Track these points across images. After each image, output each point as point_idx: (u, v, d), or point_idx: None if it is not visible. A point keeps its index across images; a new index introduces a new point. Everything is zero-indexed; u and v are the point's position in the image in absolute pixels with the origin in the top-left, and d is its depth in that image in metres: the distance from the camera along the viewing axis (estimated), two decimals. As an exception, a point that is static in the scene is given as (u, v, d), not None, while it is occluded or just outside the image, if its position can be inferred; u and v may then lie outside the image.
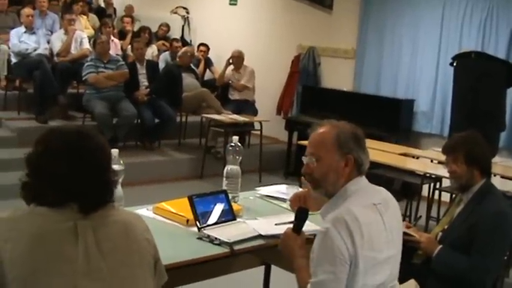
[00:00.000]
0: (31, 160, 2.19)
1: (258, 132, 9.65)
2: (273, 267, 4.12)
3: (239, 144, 3.96)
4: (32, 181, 2.17)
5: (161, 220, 3.45)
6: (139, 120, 9.28)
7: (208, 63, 11.75)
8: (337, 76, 10.67)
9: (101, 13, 14.06)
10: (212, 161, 9.46)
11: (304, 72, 10.95)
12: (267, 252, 3.32)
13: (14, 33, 9.85)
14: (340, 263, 2.51)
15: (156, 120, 9.38)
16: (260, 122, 9.59)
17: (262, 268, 4.16)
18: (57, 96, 9.53)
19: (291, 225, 2.98)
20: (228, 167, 3.90)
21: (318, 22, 10.99)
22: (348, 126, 2.79)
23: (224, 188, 3.85)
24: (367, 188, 2.79)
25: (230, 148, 3.93)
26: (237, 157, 3.91)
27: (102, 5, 15.37)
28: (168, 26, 13.23)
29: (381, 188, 2.90)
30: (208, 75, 11.66)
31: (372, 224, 2.63)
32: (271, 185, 4.38)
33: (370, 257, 2.57)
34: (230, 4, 12.74)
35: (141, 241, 2.20)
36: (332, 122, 2.81)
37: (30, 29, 9.95)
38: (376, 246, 2.61)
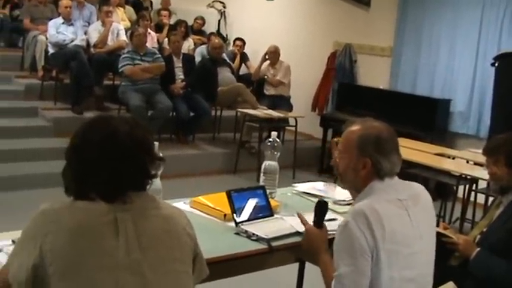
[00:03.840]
0: (73, 150, 2.16)
1: (293, 128, 9.63)
2: (307, 264, 4.10)
3: (277, 140, 3.95)
4: (73, 173, 2.15)
5: (198, 214, 3.44)
6: (174, 113, 9.28)
7: (244, 58, 11.75)
8: (373, 74, 10.60)
9: (137, 5, 14.10)
10: (246, 156, 9.46)
11: (340, 69, 10.91)
12: (302, 249, 3.31)
13: (52, 24, 9.94)
14: (360, 255, 2.52)
15: (191, 114, 9.38)
16: (295, 118, 9.55)
17: (295, 264, 4.14)
18: (93, 88, 9.59)
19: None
20: (266, 163, 3.87)
21: (355, 19, 10.93)
22: (374, 129, 2.78)
23: (261, 183, 3.83)
24: (395, 185, 2.78)
25: (268, 144, 3.91)
26: (275, 153, 3.89)
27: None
28: (203, 19, 13.26)
29: (415, 183, 2.91)
30: (243, 70, 11.66)
31: (394, 217, 2.64)
32: (307, 182, 4.36)
33: (394, 250, 2.57)
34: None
35: (182, 235, 2.19)
36: (363, 122, 2.84)
37: (68, 20, 10.03)
38: (401, 240, 2.61)
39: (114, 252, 1.99)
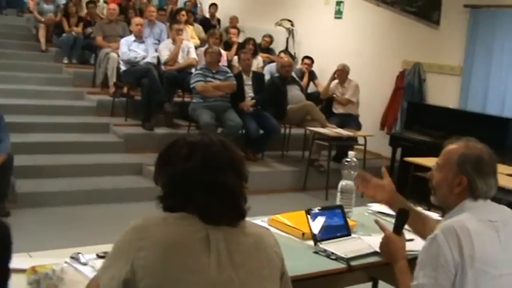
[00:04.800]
0: (171, 169, 2.19)
1: (361, 147, 9.60)
2: (380, 283, 4.08)
3: (355, 159, 3.95)
4: (168, 190, 2.18)
5: (276, 232, 3.44)
6: (244, 131, 9.31)
7: (312, 76, 11.78)
8: (442, 93, 10.50)
9: (205, 23, 14.28)
10: (314, 174, 9.44)
11: (409, 88, 10.83)
12: (376, 268, 3.30)
13: (124, 41, 10.12)
14: (442, 270, 2.52)
15: (261, 132, 9.39)
16: (364, 137, 9.51)
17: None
18: (164, 104, 9.67)
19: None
20: (343, 182, 3.88)
21: (424, 38, 10.85)
22: (477, 149, 2.80)
23: (338, 202, 3.83)
24: (488, 206, 2.77)
25: (346, 163, 3.92)
26: (352, 172, 3.89)
27: (207, 15, 15.60)
28: (271, 37, 13.34)
29: (506, 207, 2.89)
30: (311, 88, 11.68)
31: (485, 237, 2.62)
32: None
33: (482, 270, 2.55)
34: (335, 18, 12.71)
35: (271, 254, 2.21)
36: (467, 141, 2.86)
37: (140, 38, 10.19)
38: (490, 261, 2.58)
39: (206, 269, 2.01)
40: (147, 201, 7.94)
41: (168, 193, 2.18)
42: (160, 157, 2.25)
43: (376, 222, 3.16)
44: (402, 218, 3.06)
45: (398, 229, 3.04)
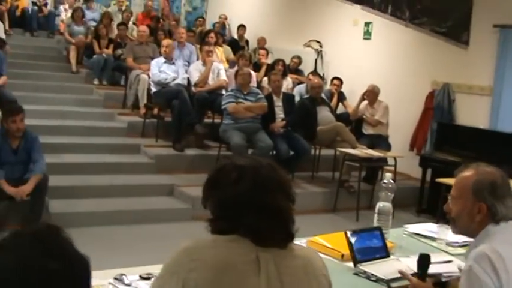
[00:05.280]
0: (220, 193, 2.21)
1: (390, 168, 9.58)
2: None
3: (392, 181, 3.96)
4: (217, 214, 2.20)
5: (315, 254, 3.48)
6: (274, 152, 9.29)
7: (341, 97, 11.78)
8: (472, 113, 10.45)
9: (234, 45, 14.36)
10: (345, 195, 9.43)
11: (438, 109, 10.79)
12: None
13: (154, 63, 10.23)
14: None
15: (291, 153, 9.40)
16: (394, 158, 9.49)
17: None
18: (194, 125, 9.74)
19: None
20: (380, 204, 3.89)
21: (453, 58, 10.82)
22: (489, 174, 2.82)
23: (375, 224, 3.85)
24: (510, 228, 2.77)
25: (383, 185, 3.93)
26: (390, 194, 3.90)
27: (235, 36, 15.68)
28: (299, 58, 13.37)
29: None
30: (340, 109, 11.68)
31: None
32: (407, 222, 4.36)
33: None
34: (364, 38, 12.72)
35: (319, 277, 2.22)
36: (477, 167, 2.86)
37: (170, 60, 10.28)
38: None
39: None
40: (178, 222, 8.05)
41: (217, 216, 2.20)
42: (209, 181, 2.28)
43: (401, 273, 3.15)
44: (424, 263, 3.05)
45: (422, 276, 3.04)
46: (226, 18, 16.70)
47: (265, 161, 2.27)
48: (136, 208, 8.11)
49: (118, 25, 13.34)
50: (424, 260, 3.04)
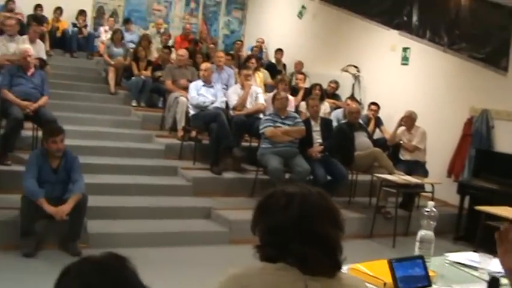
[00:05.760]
0: (269, 219, 2.21)
1: (428, 194, 9.52)
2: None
3: (434, 209, 3.94)
4: (265, 240, 2.21)
5: (357, 282, 3.46)
6: (311, 177, 9.29)
7: (378, 123, 11.75)
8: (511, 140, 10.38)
9: (271, 69, 14.40)
10: (381, 221, 9.36)
11: (476, 135, 10.71)
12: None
13: (192, 86, 10.30)
14: None
15: (328, 178, 9.38)
16: (432, 184, 9.43)
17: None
18: (232, 149, 9.77)
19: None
20: (422, 232, 3.87)
21: (492, 84, 10.74)
22: None
23: (416, 252, 3.82)
24: None
25: (425, 213, 3.91)
26: (432, 222, 3.88)
27: (273, 60, 15.73)
28: (337, 83, 13.39)
29: None
30: (377, 134, 11.63)
31: None
32: (445, 250, 4.32)
33: None
34: (402, 64, 12.69)
35: None
36: None
37: (208, 83, 10.34)
38: None
39: None
40: (215, 245, 8.05)
41: (266, 243, 2.19)
42: (258, 207, 2.27)
43: None
44: (493, 285, 3.01)
45: None
46: (263, 42, 16.77)
47: (315, 189, 2.26)
48: (173, 230, 8.10)
49: (163, 47, 13.49)
50: (493, 282, 3.00)
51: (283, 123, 9.39)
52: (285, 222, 2.14)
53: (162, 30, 16.31)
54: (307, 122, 9.67)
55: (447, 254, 4.21)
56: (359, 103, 12.27)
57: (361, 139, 10.06)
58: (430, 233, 3.86)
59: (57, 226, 7.03)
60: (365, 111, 12.09)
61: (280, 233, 2.15)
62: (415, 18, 12.54)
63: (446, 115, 11.33)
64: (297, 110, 11.14)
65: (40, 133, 8.55)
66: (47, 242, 7.17)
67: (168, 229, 8.12)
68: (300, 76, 12.96)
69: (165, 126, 11.21)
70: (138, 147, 10.38)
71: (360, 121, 10.65)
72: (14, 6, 15.29)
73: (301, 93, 12.25)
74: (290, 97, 10.87)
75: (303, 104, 11.22)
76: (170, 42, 15.12)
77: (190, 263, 7.30)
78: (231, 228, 8.17)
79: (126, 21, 16.55)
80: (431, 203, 3.96)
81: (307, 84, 12.98)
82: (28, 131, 9.21)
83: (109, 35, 14.68)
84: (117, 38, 13.49)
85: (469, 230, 9.32)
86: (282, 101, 9.57)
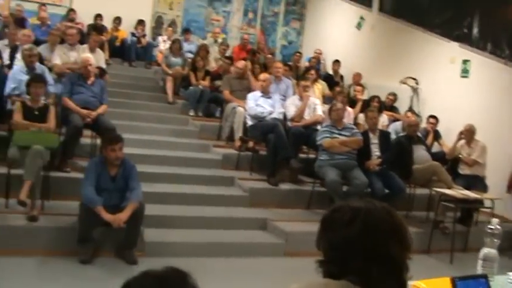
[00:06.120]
0: (332, 235, 2.17)
1: (487, 210, 9.37)
2: None
3: (498, 227, 3.85)
4: (328, 256, 2.16)
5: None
6: (369, 190, 9.20)
7: (437, 136, 11.62)
8: None
9: (329, 80, 14.36)
10: (439, 236, 9.22)
11: (538, 150, 10.55)
12: None
13: (251, 96, 10.30)
14: None
15: (386, 191, 9.28)
16: (492, 200, 9.27)
17: None
18: (289, 160, 9.72)
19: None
20: (485, 250, 3.78)
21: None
22: None
23: (479, 271, 3.74)
24: None
25: (489, 230, 3.82)
26: (495, 240, 3.79)
27: (330, 71, 15.68)
28: (395, 95, 13.27)
29: None
30: (435, 148, 11.49)
31: None
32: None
33: None
34: (461, 76, 12.54)
35: None
36: None
37: (266, 94, 10.33)
38: None
39: None
40: (271, 257, 8.02)
41: (328, 259, 2.15)
42: (323, 222, 2.22)
43: None
44: None
45: None
46: (321, 53, 16.75)
47: (381, 204, 2.20)
48: (228, 241, 8.09)
49: (224, 58, 13.57)
50: None
51: (340, 134, 9.35)
52: (348, 238, 2.09)
53: (219, 40, 16.37)
54: (365, 134, 9.60)
55: (510, 273, 4.10)
56: (417, 116, 12.16)
57: (419, 152, 9.96)
58: (493, 251, 3.77)
59: (114, 234, 7.07)
60: (423, 124, 11.96)
61: (343, 249, 2.10)
62: (475, 30, 12.39)
63: (506, 129, 11.15)
64: (355, 122, 11.07)
65: (99, 141, 8.64)
66: (104, 249, 7.22)
67: (224, 239, 8.11)
68: (358, 88, 12.90)
69: (223, 136, 11.23)
70: (196, 156, 10.39)
71: (419, 134, 10.55)
72: (75, 16, 15.55)
73: (359, 105, 12.19)
74: (348, 109, 10.82)
75: (361, 116, 11.15)
76: (228, 53, 15.15)
77: (245, 274, 7.29)
78: (287, 240, 8.14)
79: (185, 31, 16.67)
80: (495, 220, 3.86)
81: (365, 96, 12.90)
82: (87, 138, 9.32)
83: (167, 45, 14.78)
84: (175, 47, 13.57)
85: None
86: (339, 112, 9.53)
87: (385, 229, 2.11)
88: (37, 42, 11.24)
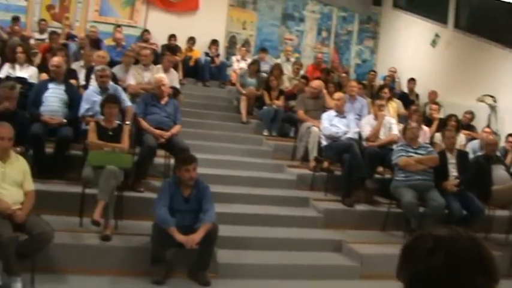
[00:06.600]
0: (412, 265, 2.03)
1: None
2: None
3: None
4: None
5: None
6: (446, 211, 8.97)
7: (516, 155, 11.33)
8: None
9: (403, 98, 14.17)
10: (520, 260, 8.97)
11: None
12: None
13: (325, 116, 10.23)
14: None
15: (464, 213, 9.05)
16: None
17: None
18: (365, 180, 9.61)
19: None
20: None
21: None
22: None
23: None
24: None
25: None
26: None
27: (405, 90, 15.49)
28: (472, 113, 13.01)
29: None
30: (514, 168, 11.22)
31: None
32: None
33: None
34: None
35: None
36: None
37: (341, 113, 10.24)
38: None
39: None
40: (346, 280, 7.90)
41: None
42: (403, 251, 2.10)
43: None
44: None
45: None
46: (395, 71, 16.56)
47: (466, 232, 2.06)
48: (302, 263, 7.96)
49: (300, 77, 13.63)
50: None
51: (416, 153, 9.19)
52: (430, 270, 1.96)
53: (292, 59, 16.32)
54: (442, 154, 9.39)
55: None
56: (496, 134, 11.88)
57: (498, 172, 9.68)
58: None
59: (186, 255, 7.05)
60: (502, 143, 11.67)
61: (424, 281, 1.96)
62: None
63: None
64: (431, 141, 10.85)
65: (173, 161, 8.63)
66: (177, 270, 7.21)
67: (298, 261, 7.98)
68: (434, 106, 12.64)
69: (297, 156, 11.13)
70: (269, 177, 10.32)
71: (497, 153, 10.29)
72: (149, 37, 15.78)
73: (435, 124, 11.94)
74: (424, 128, 10.64)
75: (437, 135, 10.93)
76: (302, 72, 15.09)
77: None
78: (363, 263, 7.99)
79: (261, 50, 16.65)
80: None
81: (441, 115, 12.65)
82: (161, 158, 9.35)
83: (241, 64, 14.83)
84: (253, 69, 13.65)
85: None
86: (413, 130, 9.38)
87: (470, 260, 1.96)
88: (112, 63, 11.42)
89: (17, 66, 10.70)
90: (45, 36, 14.91)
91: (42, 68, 10.68)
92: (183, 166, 7.05)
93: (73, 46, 14.07)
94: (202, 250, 6.94)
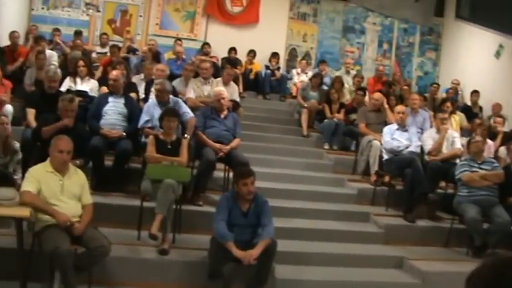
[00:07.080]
0: None
1: None
2: None
3: None
4: None
5: None
6: (512, 228, 8.75)
7: None
8: None
9: (467, 111, 13.92)
10: None
11: None
12: None
13: (386, 130, 10.11)
14: None
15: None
16: None
17: None
18: (427, 195, 9.45)
19: None
20: None
21: None
22: None
23: None
24: None
25: None
26: None
27: (468, 103, 15.22)
28: (537, 127, 12.72)
29: None
30: None
31: None
32: None
33: None
34: None
35: None
36: None
37: (403, 127, 10.11)
38: None
39: None
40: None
41: None
42: (467, 280, 1.98)
43: None
44: None
45: None
46: (458, 84, 16.26)
47: None
48: (362, 279, 7.80)
49: (357, 89, 13.43)
50: None
51: (480, 168, 8.98)
52: None
53: (353, 72, 16.19)
54: (507, 169, 9.17)
55: None
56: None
57: None
58: None
59: (244, 270, 6.94)
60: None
61: None
62: None
63: None
64: (495, 155, 10.61)
65: (232, 174, 8.57)
66: (234, 285, 7.13)
67: (358, 278, 7.83)
68: (499, 120, 12.36)
69: (358, 170, 11.04)
70: (330, 191, 10.20)
71: None
72: (209, 50, 15.82)
73: (499, 138, 11.66)
74: (489, 141, 10.41)
75: (502, 149, 10.66)
76: (363, 84, 14.96)
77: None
78: (424, 280, 7.80)
79: (321, 62, 16.55)
80: None
81: (505, 128, 12.36)
82: (220, 172, 9.30)
83: (301, 77, 14.76)
84: (315, 82, 13.60)
85: None
86: (478, 144, 9.17)
87: None
88: (172, 76, 11.44)
89: (78, 80, 10.82)
90: (106, 50, 15.11)
91: (103, 81, 10.74)
92: (240, 180, 6.96)
93: (134, 59, 14.19)
94: (260, 265, 6.82)
